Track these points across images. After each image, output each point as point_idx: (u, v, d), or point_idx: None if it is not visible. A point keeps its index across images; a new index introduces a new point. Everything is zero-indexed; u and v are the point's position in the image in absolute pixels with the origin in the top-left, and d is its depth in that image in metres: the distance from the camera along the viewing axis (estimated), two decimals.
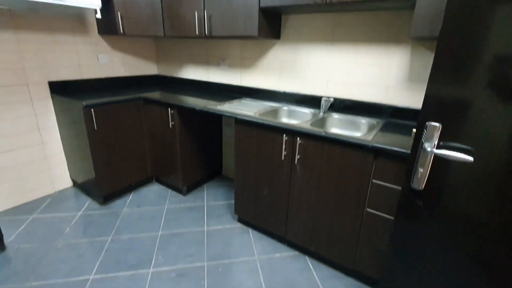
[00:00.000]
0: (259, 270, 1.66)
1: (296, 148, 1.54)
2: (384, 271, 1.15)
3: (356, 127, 1.77)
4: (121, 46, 2.57)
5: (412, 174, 0.92)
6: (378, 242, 1.42)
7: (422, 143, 0.87)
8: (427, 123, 0.86)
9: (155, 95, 2.31)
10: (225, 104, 2.06)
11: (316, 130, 1.46)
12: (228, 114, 1.77)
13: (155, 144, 2.39)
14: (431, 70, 0.86)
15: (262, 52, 2.18)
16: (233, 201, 2.36)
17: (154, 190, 2.50)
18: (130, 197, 2.38)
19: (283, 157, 1.60)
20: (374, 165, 1.33)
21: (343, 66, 1.85)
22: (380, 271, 1.46)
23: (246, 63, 2.30)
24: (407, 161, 0.93)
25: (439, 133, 0.85)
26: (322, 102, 1.87)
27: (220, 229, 2.01)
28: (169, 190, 2.50)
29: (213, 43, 2.45)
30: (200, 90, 2.63)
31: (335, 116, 1.84)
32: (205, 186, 2.62)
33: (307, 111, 1.96)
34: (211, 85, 2.59)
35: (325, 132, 1.42)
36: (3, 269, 1.59)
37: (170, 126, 2.15)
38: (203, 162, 2.53)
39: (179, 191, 2.46)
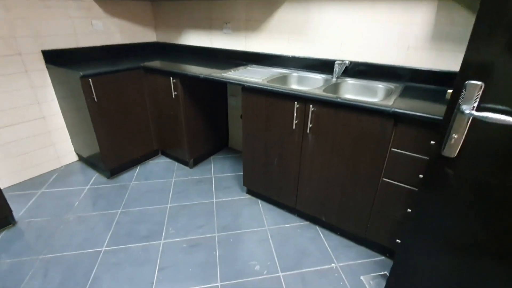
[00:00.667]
0: (270, 239, 1.65)
1: (308, 116, 1.45)
2: (401, 243, 1.12)
3: (373, 92, 1.65)
4: (116, 11, 2.38)
5: (444, 140, 0.83)
6: (393, 212, 1.38)
7: (459, 105, 0.78)
8: (466, 82, 0.76)
9: (155, 63, 2.17)
10: (230, 71, 1.93)
11: (330, 96, 1.36)
12: (234, 82, 1.66)
13: (159, 116, 2.30)
14: (475, 23, 0.73)
15: (269, 13, 2.00)
16: (241, 173, 2.33)
17: (160, 163, 2.47)
18: (137, 170, 2.35)
19: (294, 126, 1.52)
20: (393, 132, 1.24)
21: (359, 26, 1.68)
22: (392, 241, 1.43)
23: (252, 26, 2.12)
24: (440, 126, 0.84)
25: (480, 93, 0.75)
26: (336, 66, 1.73)
27: (229, 200, 1.99)
28: (176, 163, 2.47)
29: (216, 4, 2.25)
30: (202, 58, 2.48)
31: (350, 81, 1.71)
32: (211, 158, 2.58)
33: (318, 77, 1.83)
34: (214, 52, 2.43)
35: (340, 98, 1.31)
36: (17, 242, 1.61)
37: (173, 96, 2.05)
38: (209, 134, 2.46)
39: (185, 163, 2.42)
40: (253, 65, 2.17)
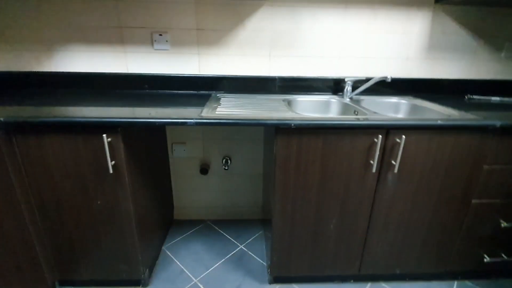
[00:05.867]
0: None
1: (395, 151, 1.05)
2: None
3: (396, 109, 1.48)
4: None
5: None
6: (482, 232, 1.24)
7: None
8: None
9: (21, 111, 1.02)
10: (205, 109, 1.18)
11: (428, 118, 1.04)
12: (270, 122, 0.98)
13: (58, 216, 1.10)
14: None
15: (238, 19, 1.41)
16: (230, 254, 1.53)
17: None
18: None
19: (374, 169, 1.06)
20: (491, 147, 1.09)
21: (359, 36, 1.47)
22: (478, 261, 1.30)
23: (209, 38, 1.43)
24: None
25: None
26: (347, 83, 1.43)
27: None
28: None
29: (133, 5, 1.36)
30: (104, 92, 1.44)
31: (367, 99, 1.46)
32: (165, 250, 1.57)
33: (328, 99, 1.45)
34: (133, 81, 1.48)
35: (441, 120, 1.02)
36: None
37: (110, 169, 1.01)
38: (157, 213, 1.48)
39: (133, 283, 1.31)
40: (224, 94, 1.47)
